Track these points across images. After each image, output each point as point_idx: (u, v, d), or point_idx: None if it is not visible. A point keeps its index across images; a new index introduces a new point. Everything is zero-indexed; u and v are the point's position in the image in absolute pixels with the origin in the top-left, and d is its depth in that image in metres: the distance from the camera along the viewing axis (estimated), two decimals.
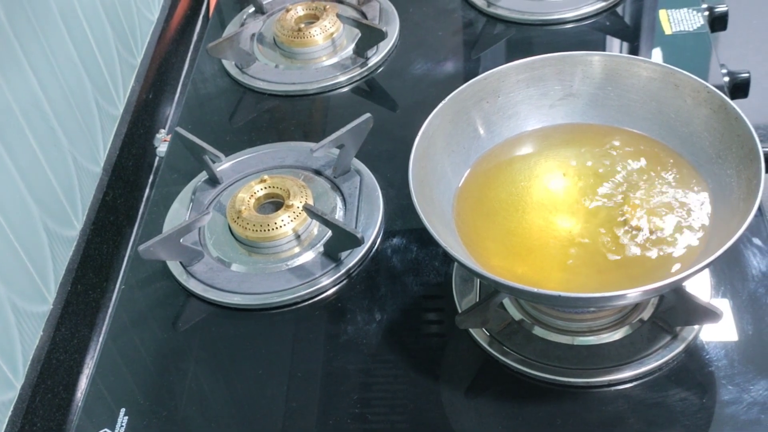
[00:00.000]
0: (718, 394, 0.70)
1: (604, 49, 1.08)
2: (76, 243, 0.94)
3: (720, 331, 0.74)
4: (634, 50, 1.07)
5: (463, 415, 0.72)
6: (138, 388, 0.78)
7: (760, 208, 0.80)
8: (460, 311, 0.78)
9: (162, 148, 1.09)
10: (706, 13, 1.09)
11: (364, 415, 0.73)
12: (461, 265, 0.68)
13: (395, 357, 0.77)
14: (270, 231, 0.85)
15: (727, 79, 1.01)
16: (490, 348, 0.75)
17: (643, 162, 0.78)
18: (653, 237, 0.73)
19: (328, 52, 1.11)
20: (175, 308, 0.85)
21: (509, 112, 0.83)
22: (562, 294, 0.63)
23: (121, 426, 0.75)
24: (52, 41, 0.93)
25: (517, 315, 0.77)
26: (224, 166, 0.98)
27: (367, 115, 0.91)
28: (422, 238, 0.87)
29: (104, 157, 1.04)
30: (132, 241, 1.03)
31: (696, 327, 0.74)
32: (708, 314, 0.70)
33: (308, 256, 0.86)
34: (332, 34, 1.11)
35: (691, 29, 1.07)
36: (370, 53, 1.10)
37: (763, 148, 0.69)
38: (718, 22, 1.12)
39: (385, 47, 1.10)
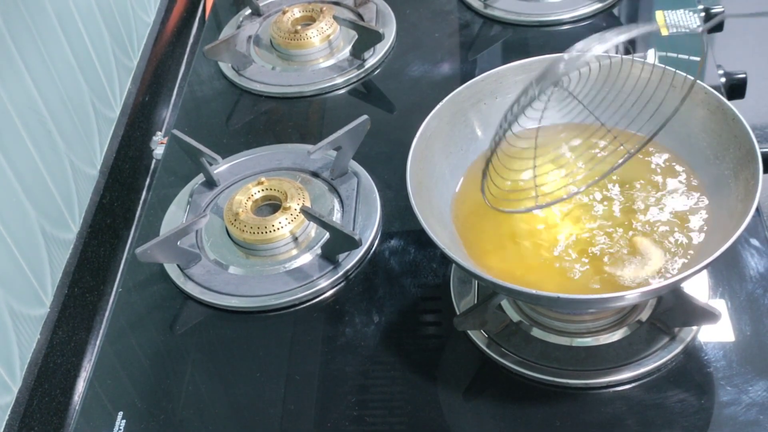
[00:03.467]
0: (716, 395, 0.70)
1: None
2: (73, 246, 0.94)
3: (718, 332, 0.74)
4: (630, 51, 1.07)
5: (462, 417, 0.72)
6: (136, 391, 0.78)
7: (757, 209, 0.80)
8: (458, 313, 0.78)
9: (159, 151, 1.08)
10: (703, 14, 1.09)
11: (362, 417, 0.73)
12: (459, 266, 0.68)
13: (393, 359, 0.77)
14: (267, 233, 0.85)
15: (723, 80, 1.01)
16: (488, 350, 0.75)
17: (640, 163, 0.78)
18: (651, 237, 0.73)
19: (324, 53, 1.11)
20: (172, 311, 0.84)
21: None
22: (561, 295, 0.63)
23: (119, 429, 0.75)
24: (49, 44, 0.93)
25: (515, 316, 0.77)
26: (221, 168, 0.97)
27: (365, 116, 0.91)
28: (420, 239, 0.87)
29: (101, 159, 1.04)
30: (129, 243, 1.03)
31: (694, 328, 0.74)
32: (706, 315, 0.70)
33: (306, 258, 0.86)
34: (329, 36, 1.11)
35: (687, 30, 1.07)
36: (366, 55, 1.10)
37: (760, 148, 0.69)
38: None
39: (381, 49, 1.10)
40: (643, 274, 0.71)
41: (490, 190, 0.73)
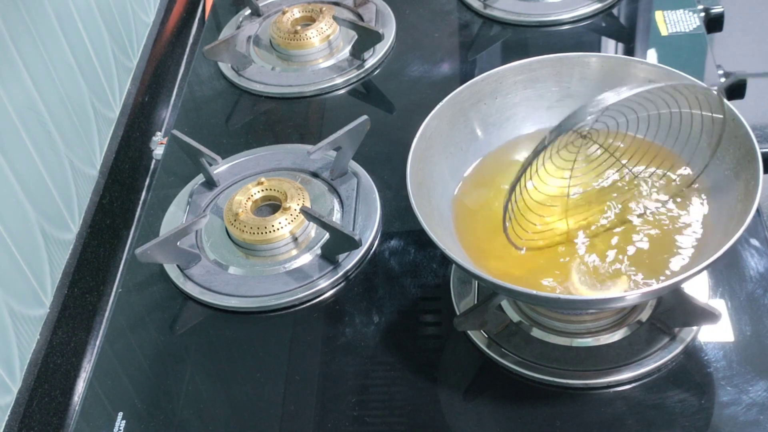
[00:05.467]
0: (716, 396, 0.70)
1: (600, 51, 1.08)
2: (73, 246, 0.94)
3: (718, 332, 0.74)
4: (630, 51, 1.07)
5: (462, 418, 0.72)
6: (135, 391, 0.78)
7: (758, 210, 0.80)
8: (458, 313, 0.78)
9: (158, 151, 1.08)
10: (702, 14, 1.10)
11: (362, 417, 0.73)
12: (459, 266, 0.68)
13: (393, 359, 0.77)
14: (267, 233, 0.85)
15: (723, 80, 1.01)
16: (488, 350, 0.75)
17: (641, 163, 0.78)
18: (651, 238, 0.73)
19: (324, 54, 1.11)
20: (172, 311, 0.84)
21: (507, 114, 0.83)
22: (561, 296, 0.64)
23: (119, 429, 0.75)
24: (48, 44, 0.93)
25: (515, 317, 0.77)
26: (221, 168, 0.97)
27: (364, 117, 0.91)
28: (420, 239, 0.87)
29: (101, 160, 1.04)
30: (129, 244, 1.03)
31: (694, 328, 0.74)
32: (706, 315, 0.70)
33: (305, 259, 0.86)
34: (329, 36, 1.11)
35: (687, 30, 1.07)
36: (366, 55, 1.10)
37: (760, 148, 0.69)
38: (714, 23, 1.12)
39: (381, 49, 1.10)
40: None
41: (516, 231, 0.72)
